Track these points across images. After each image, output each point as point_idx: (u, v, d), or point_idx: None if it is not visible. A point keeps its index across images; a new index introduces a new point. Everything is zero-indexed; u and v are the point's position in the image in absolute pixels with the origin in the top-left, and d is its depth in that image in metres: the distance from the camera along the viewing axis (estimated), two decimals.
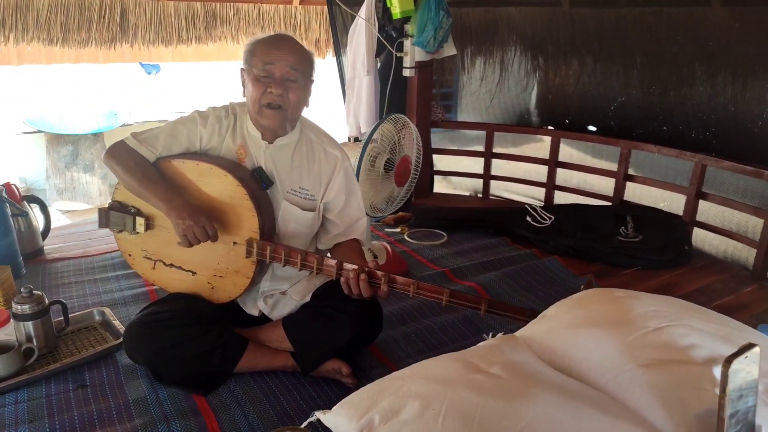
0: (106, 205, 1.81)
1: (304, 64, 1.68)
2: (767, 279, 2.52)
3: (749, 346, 0.88)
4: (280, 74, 1.63)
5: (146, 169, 1.68)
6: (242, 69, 1.71)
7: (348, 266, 1.63)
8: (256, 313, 1.83)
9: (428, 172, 3.65)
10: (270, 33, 4.34)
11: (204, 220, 1.59)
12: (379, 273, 1.60)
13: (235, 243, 1.68)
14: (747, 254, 2.68)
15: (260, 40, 1.68)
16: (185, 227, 1.59)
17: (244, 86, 1.71)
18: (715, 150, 2.77)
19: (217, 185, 1.66)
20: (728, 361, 0.85)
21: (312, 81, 1.73)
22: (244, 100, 1.75)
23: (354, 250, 1.82)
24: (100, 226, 1.81)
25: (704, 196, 2.76)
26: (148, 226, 1.77)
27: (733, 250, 2.78)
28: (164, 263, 1.78)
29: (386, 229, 3.03)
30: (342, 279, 1.62)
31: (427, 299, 1.59)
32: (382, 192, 2.63)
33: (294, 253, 1.64)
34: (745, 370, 0.88)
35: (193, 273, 1.76)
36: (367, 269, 1.61)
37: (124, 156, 1.69)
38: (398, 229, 3.01)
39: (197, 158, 1.70)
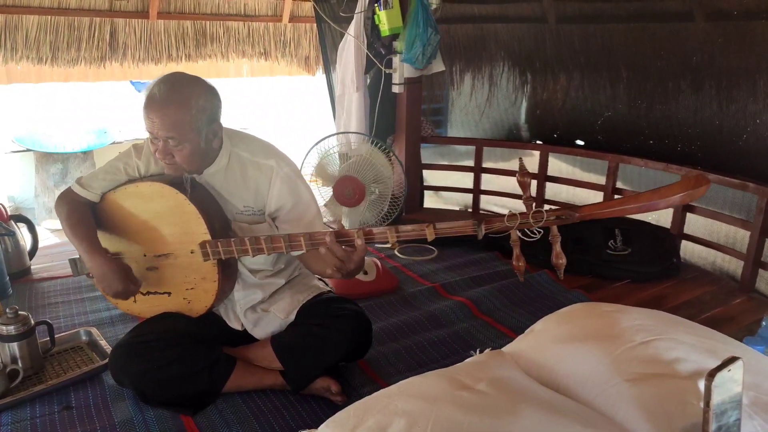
0: (76, 255, 1.81)
1: (179, 125, 1.52)
2: (756, 291, 2.54)
3: (732, 360, 0.88)
4: (162, 141, 1.55)
5: (79, 222, 1.69)
6: None
7: (296, 237, 1.54)
8: (238, 327, 1.81)
9: (418, 187, 3.67)
10: (258, 57, 4.41)
11: (121, 287, 1.64)
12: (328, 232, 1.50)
13: (192, 252, 1.67)
14: (735, 266, 2.70)
15: (145, 96, 1.55)
16: (104, 290, 1.67)
17: None
18: (701, 163, 2.80)
19: (159, 200, 1.67)
20: (711, 375, 0.85)
21: (206, 124, 1.57)
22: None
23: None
24: (74, 275, 1.83)
25: (692, 209, 2.78)
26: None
27: (722, 262, 2.80)
28: (141, 293, 1.78)
29: (376, 245, 3.02)
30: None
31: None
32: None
33: (244, 241, 1.61)
34: (728, 383, 0.88)
35: (168, 293, 1.76)
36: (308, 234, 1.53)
37: (66, 205, 1.71)
38: (389, 245, 3.00)
39: (136, 181, 1.73)
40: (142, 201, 1.70)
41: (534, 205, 1.37)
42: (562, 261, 1.34)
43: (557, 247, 1.35)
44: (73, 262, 1.83)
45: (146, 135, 1.60)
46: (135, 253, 1.75)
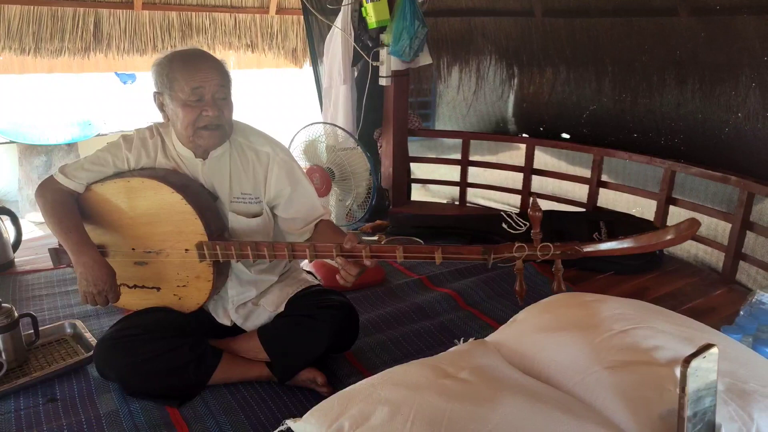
0: (56, 245, 1.79)
1: (227, 77, 1.64)
2: (736, 282, 2.57)
3: (707, 347, 0.90)
4: (210, 95, 1.58)
5: (65, 215, 1.65)
6: (158, 93, 1.65)
7: (300, 247, 1.59)
8: (227, 323, 1.81)
9: (406, 180, 3.67)
10: (245, 49, 4.40)
11: (107, 289, 1.60)
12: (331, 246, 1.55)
13: (186, 250, 1.67)
14: (716, 258, 2.74)
15: (176, 62, 1.59)
16: (85, 290, 1.60)
17: (163, 110, 1.67)
18: (684, 156, 2.83)
19: (152, 197, 1.64)
20: (687, 361, 0.87)
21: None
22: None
23: (328, 232, 1.76)
24: (54, 265, 1.80)
25: (674, 202, 2.81)
26: (102, 254, 1.75)
27: (703, 254, 2.84)
28: (128, 286, 1.77)
29: (363, 237, 3.03)
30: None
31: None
32: None
33: (244, 246, 1.62)
34: (703, 370, 0.90)
35: (158, 289, 1.75)
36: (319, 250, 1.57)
37: (49, 195, 1.67)
38: (376, 237, 3.02)
39: (128, 175, 1.69)
40: (134, 197, 1.67)
41: (541, 239, 1.50)
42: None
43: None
44: (54, 252, 1.80)
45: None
46: (122, 247, 1.74)
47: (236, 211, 1.73)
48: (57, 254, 1.80)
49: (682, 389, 0.87)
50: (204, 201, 1.67)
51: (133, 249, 1.73)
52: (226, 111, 1.63)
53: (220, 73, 1.61)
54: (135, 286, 1.76)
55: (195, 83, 1.56)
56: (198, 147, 1.67)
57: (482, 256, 1.49)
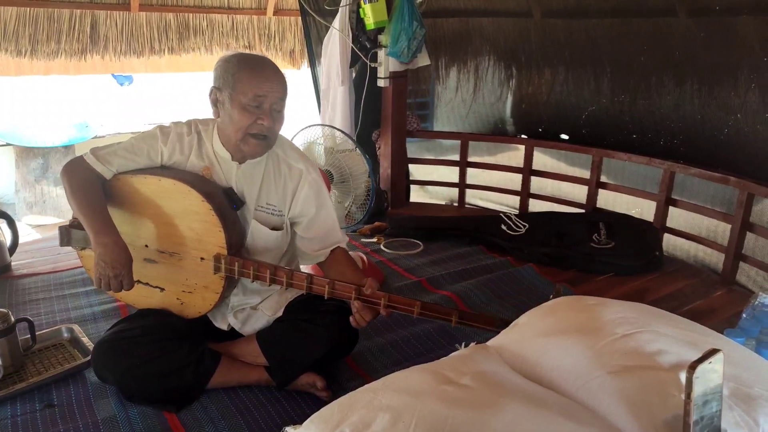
0: (67, 223, 1.77)
1: (287, 92, 1.65)
2: (736, 283, 2.57)
3: (713, 352, 0.89)
4: (269, 106, 1.59)
5: (91, 194, 1.62)
6: (216, 88, 1.62)
7: (320, 282, 1.61)
8: (225, 327, 1.80)
9: (404, 181, 3.67)
10: (243, 50, 4.39)
11: (124, 274, 1.56)
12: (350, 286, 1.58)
13: (202, 258, 1.65)
14: (716, 259, 2.73)
15: (245, 66, 1.59)
16: (101, 272, 1.56)
17: (216, 106, 1.64)
18: (683, 157, 2.83)
19: (180, 201, 1.63)
20: (692, 366, 0.86)
21: None
22: (205, 117, 1.73)
23: (344, 262, 1.78)
24: (61, 244, 1.77)
25: (674, 203, 2.81)
26: None
27: (703, 255, 2.83)
28: None
29: (362, 239, 3.02)
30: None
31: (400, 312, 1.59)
32: None
33: (263, 268, 1.62)
34: (709, 375, 0.89)
35: (161, 289, 1.74)
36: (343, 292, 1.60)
37: (77, 174, 1.65)
38: (374, 239, 3.01)
39: (159, 173, 1.66)
40: (162, 196, 1.65)
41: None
42: None
43: None
44: (65, 231, 1.76)
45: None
46: (135, 241, 1.71)
47: (258, 220, 1.72)
48: (68, 233, 1.76)
49: (688, 395, 0.86)
50: (228, 213, 1.65)
51: (146, 246, 1.72)
52: (277, 124, 1.63)
53: (283, 87, 1.62)
54: (138, 282, 1.74)
55: (260, 91, 1.56)
56: (240, 152, 1.66)
57: (497, 329, 1.54)
